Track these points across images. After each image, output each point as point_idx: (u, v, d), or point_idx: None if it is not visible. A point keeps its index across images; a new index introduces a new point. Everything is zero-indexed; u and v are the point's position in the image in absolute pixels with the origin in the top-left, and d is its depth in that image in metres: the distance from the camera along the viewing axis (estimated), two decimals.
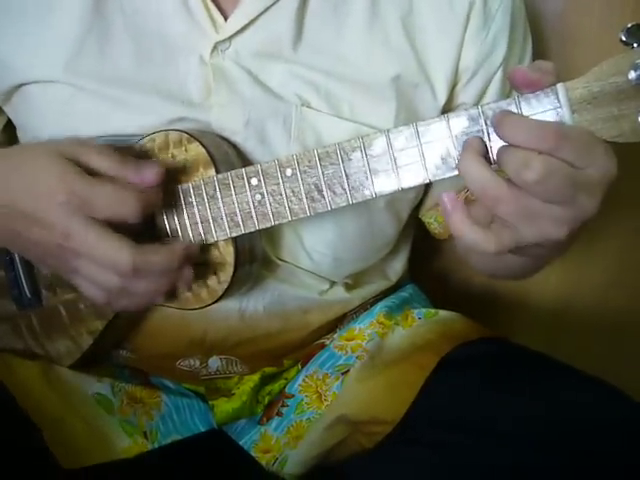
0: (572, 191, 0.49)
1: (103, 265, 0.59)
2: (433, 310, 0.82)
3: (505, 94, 0.75)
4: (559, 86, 0.52)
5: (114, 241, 0.58)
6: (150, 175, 0.61)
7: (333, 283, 0.80)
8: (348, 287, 0.82)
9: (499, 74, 0.74)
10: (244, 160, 0.69)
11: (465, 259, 0.87)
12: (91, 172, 0.60)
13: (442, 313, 0.81)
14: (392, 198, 0.76)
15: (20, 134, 0.77)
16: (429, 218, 0.86)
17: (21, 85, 0.71)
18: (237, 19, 0.67)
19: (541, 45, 0.91)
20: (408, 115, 0.72)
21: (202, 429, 0.78)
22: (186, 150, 0.66)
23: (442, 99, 0.73)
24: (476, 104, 0.73)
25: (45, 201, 0.59)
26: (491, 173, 0.51)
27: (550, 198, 0.50)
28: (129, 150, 0.67)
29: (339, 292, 0.81)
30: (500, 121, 0.51)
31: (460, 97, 0.74)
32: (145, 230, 0.66)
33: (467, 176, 0.52)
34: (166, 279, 0.62)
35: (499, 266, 0.76)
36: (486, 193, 0.51)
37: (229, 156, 0.67)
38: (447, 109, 0.74)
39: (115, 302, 0.63)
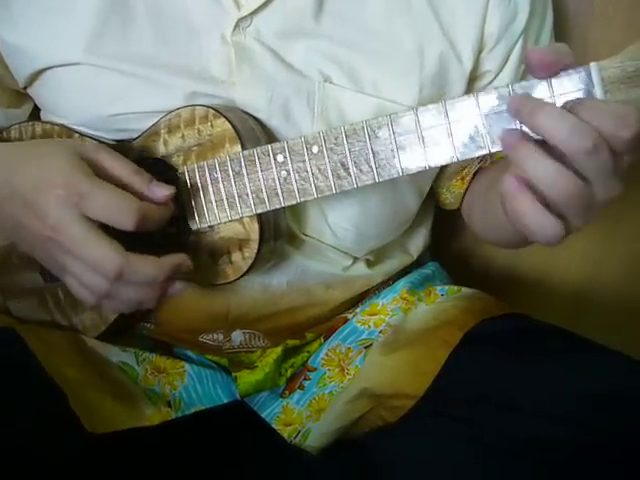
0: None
1: (89, 265, 0.60)
2: (456, 287, 0.82)
3: (524, 63, 0.74)
4: (592, 65, 0.51)
5: (102, 243, 0.59)
6: (160, 191, 0.63)
7: (356, 259, 0.80)
8: (370, 263, 0.82)
9: (520, 42, 0.73)
10: (269, 137, 0.69)
11: (470, 225, 0.89)
12: (103, 176, 0.61)
13: (465, 290, 0.81)
14: (416, 174, 0.76)
15: (43, 115, 0.77)
16: (442, 188, 0.87)
17: (43, 70, 0.71)
18: None
19: (565, 25, 0.89)
20: (433, 87, 0.71)
21: (225, 400, 0.78)
22: (212, 126, 0.66)
23: (468, 65, 0.72)
24: (499, 72, 0.74)
25: (45, 191, 0.60)
26: (566, 170, 0.51)
27: (597, 170, 0.51)
28: (155, 129, 0.68)
29: (361, 268, 0.81)
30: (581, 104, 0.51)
31: (485, 64, 0.74)
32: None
33: (537, 174, 0.51)
34: (152, 289, 0.63)
35: (504, 234, 0.77)
36: (561, 189, 0.51)
37: (255, 132, 0.67)
38: (473, 76, 0.74)
39: (104, 304, 0.64)
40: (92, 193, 0.59)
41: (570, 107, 0.51)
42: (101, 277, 0.60)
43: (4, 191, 0.63)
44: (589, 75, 0.51)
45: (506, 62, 0.74)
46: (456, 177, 0.85)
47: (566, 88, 0.52)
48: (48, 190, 0.59)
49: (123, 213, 0.59)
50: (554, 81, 0.52)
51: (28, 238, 0.63)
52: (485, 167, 0.83)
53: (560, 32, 0.84)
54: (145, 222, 0.60)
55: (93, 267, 0.60)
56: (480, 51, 0.72)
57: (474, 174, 0.84)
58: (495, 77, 0.75)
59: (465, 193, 0.86)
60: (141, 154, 0.70)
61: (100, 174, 0.61)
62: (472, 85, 0.75)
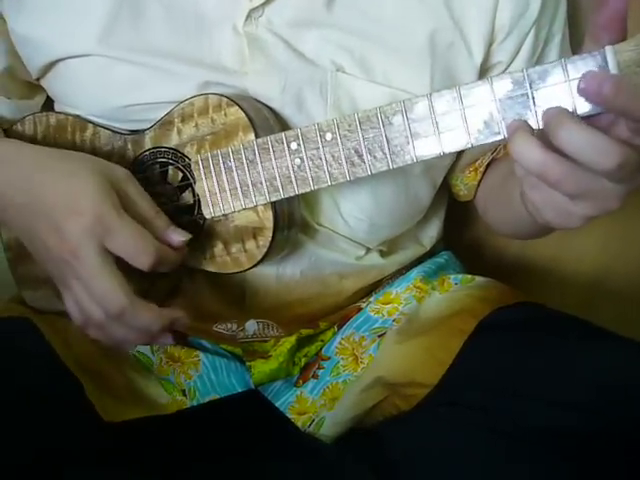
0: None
1: (94, 297, 0.61)
2: (469, 276, 0.82)
3: (537, 54, 0.75)
4: (607, 49, 0.50)
5: (114, 280, 0.60)
6: (177, 237, 0.65)
7: (368, 249, 0.80)
8: (383, 254, 0.82)
9: (532, 33, 0.73)
10: (283, 126, 0.69)
11: (485, 218, 0.88)
12: (128, 209, 0.62)
13: (479, 279, 0.81)
14: (429, 165, 0.76)
15: (57, 106, 0.77)
16: (455, 180, 0.87)
17: (56, 61, 0.72)
18: None
19: (579, 15, 0.88)
20: (444, 78, 0.71)
21: (239, 389, 0.79)
22: (225, 114, 0.66)
23: (479, 58, 0.72)
24: (510, 63, 0.74)
25: (72, 216, 0.60)
26: (552, 156, 0.50)
27: (617, 179, 0.50)
28: (168, 118, 0.68)
29: (375, 258, 0.81)
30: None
31: (496, 56, 0.74)
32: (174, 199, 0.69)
33: (524, 161, 0.51)
34: (143, 336, 0.64)
35: (520, 225, 0.76)
36: (548, 176, 0.50)
37: (268, 121, 0.67)
38: (484, 68, 0.73)
39: (90, 330, 0.64)
40: (118, 229, 0.60)
41: (592, 88, 0.49)
42: (101, 310, 0.61)
43: (23, 198, 0.64)
44: (604, 59, 0.50)
45: (518, 53, 0.74)
46: (469, 169, 0.84)
47: (581, 72, 0.51)
48: (75, 216, 0.60)
49: (142, 253, 0.61)
50: (569, 65, 0.52)
51: (42, 251, 0.64)
52: (498, 158, 0.83)
53: (574, 22, 0.83)
54: (159, 265, 0.62)
55: (97, 299, 0.61)
56: (491, 43, 0.72)
57: (487, 165, 0.84)
58: (507, 68, 0.74)
59: (479, 185, 0.86)
60: (155, 143, 0.70)
61: (126, 207, 0.62)
62: (483, 76, 0.74)
